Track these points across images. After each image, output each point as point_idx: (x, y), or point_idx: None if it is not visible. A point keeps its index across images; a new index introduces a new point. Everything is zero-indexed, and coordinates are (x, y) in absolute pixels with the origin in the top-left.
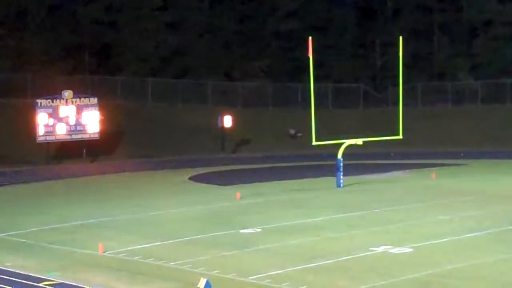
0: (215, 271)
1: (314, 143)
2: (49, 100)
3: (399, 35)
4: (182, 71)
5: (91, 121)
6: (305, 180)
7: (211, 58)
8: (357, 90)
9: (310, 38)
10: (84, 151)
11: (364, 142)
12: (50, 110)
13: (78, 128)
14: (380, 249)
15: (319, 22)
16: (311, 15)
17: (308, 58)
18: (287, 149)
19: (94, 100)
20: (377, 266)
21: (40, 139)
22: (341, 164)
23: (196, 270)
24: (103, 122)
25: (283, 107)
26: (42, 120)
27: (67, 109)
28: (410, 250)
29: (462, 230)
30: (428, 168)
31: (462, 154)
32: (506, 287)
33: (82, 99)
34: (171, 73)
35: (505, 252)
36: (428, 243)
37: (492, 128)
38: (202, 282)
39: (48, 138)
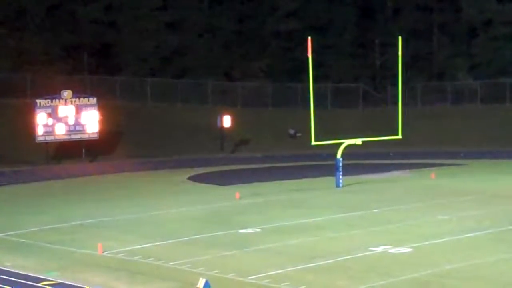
0: (215, 271)
1: (313, 143)
2: (49, 100)
3: (399, 35)
4: (182, 71)
5: (91, 121)
6: (304, 180)
7: (210, 58)
8: (357, 90)
9: (309, 38)
10: (83, 151)
11: (363, 142)
12: (49, 110)
13: (77, 128)
14: (380, 249)
15: (319, 22)
16: (311, 15)
17: (308, 58)
18: (287, 149)
19: (93, 100)
20: (376, 266)
21: (39, 139)
22: (341, 164)
23: (196, 270)
24: (103, 122)
25: (282, 107)
26: (41, 120)
27: (66, 109)
28: (410, 250)
29: (462, 230)
30: (427, 168)
31: (461, 154)
32: (506, 287)
33: (81, 99)
34: (170, 73)
35: (505, 252)
36: (427, 243)
37: (492, 128)
38: (201, 282)
39: (47, 138)
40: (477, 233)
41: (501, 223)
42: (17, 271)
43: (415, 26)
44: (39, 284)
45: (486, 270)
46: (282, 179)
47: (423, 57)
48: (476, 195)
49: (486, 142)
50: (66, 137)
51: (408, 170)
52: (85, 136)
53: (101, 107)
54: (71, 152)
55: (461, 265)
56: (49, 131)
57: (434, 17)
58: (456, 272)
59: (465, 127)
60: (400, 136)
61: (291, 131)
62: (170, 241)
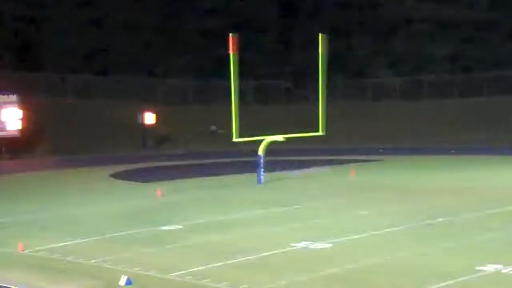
0: (136, 268)
1: (235, 139)
2: None
3: (320, 33)
4: (104, 67)
5: (11, 118)
6: (226, 176)
7: (133, 54)
8: (279, 87)
9: (230, 35)
10: (3, 149)
11: (286, 138)
12: None
13: None
14: (301, 244)
15: (241, 19)
16: (233, 12)
17: (229, 55)
18: (209, 146)
19: (14, 97)
20: (297, 261)
21: None
22: (262, 161)
23: (117, 268)
24: (24, 119)
25: (205, 104)
26: None
27: None
28: (330, 245)
29: (381, 225)
30: (348, 164)
31: (380, 150)
32: (424, 281)
33: (1, 96)
34: (92, 69)
35: (423, 246)
36: (347, 238)
37: (411, 124)
38: (123, 279)
39: None
40: (395, 228)
41: (418, 218)
42: None
43: (336, 23)
44: None
45: (405, 264)
46: (204, 176)
47: (343, 54)
48: (394, 191)
49: (406, 138)
50: None
51: (329, 167)
52: (5, 134)
53: (22, 104)
54: None
55: (380, 260)
56: None
57: (353, 14)
58: (376, 267)
59: (385, 123)
60: (322, 133)
61: (213, 128)
62: (91, 238)
